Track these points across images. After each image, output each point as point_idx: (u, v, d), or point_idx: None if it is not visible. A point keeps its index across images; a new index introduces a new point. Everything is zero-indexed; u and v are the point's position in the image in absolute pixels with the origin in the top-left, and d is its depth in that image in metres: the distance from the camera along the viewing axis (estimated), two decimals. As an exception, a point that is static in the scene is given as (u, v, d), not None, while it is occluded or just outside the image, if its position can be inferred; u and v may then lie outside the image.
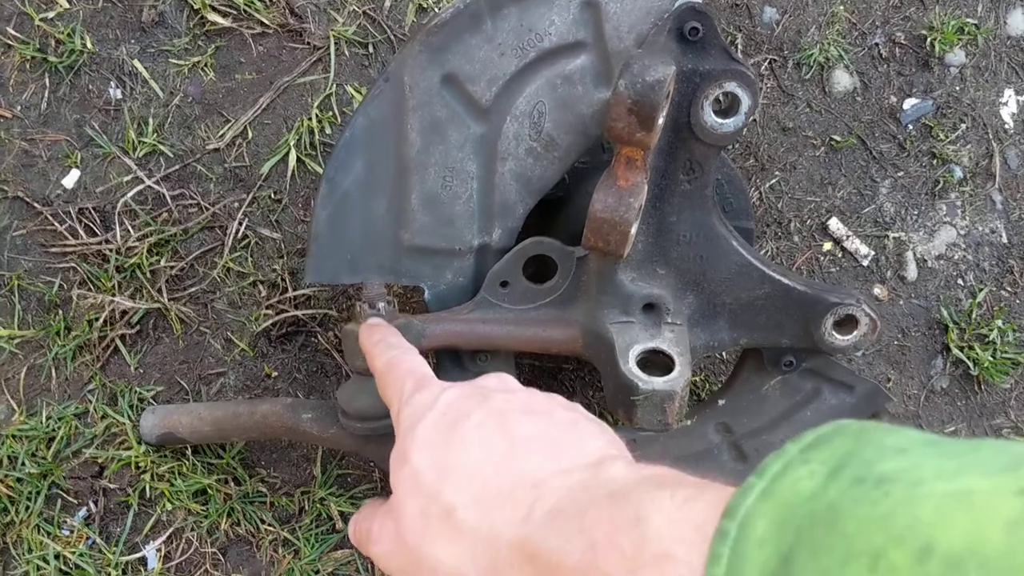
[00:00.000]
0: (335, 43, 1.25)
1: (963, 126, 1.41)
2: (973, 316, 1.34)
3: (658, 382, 0.94)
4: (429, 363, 1.13)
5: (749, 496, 0.40)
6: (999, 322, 1.34)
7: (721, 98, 0.94)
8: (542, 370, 1.27)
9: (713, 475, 1.14)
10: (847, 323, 1.04)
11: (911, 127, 1.39)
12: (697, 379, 1.31)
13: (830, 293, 1.03)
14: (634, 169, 0.90)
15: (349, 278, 1.02)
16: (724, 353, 1.30)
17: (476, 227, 1.02)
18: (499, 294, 1.03)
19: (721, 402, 1.16)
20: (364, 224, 1.01)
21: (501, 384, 0.67)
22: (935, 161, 1.39)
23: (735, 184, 1.13)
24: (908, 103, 1.40)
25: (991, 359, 1.32)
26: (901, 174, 1.38)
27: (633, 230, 0.93)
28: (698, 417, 1.16)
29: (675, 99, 0.93)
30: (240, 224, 1.20)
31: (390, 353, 0.77)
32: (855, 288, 1.34)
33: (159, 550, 1.11)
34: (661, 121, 0.86)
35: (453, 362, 1.08)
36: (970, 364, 1.32)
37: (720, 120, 0.94)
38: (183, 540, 1.12)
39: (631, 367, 0.96)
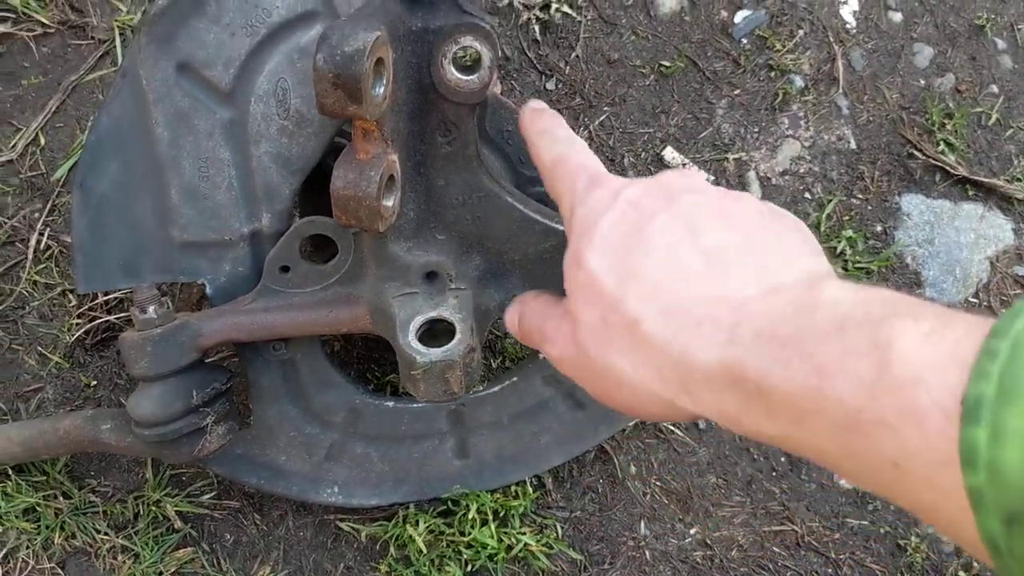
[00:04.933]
0: (120, 34, 1.21)
1: (801, 32, 1.35)
2: (822, 229, 1.30)
3: (435, 353, 0.91)
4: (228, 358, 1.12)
5: (1020, 319, 0.37)
6: (848, 232, 1.30)
7: (462, 53, 0.89)
8: (375, 342, 1.25)
9: (552, 426, 1.13)
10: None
11: (745, 41, 1.34)
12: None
13: (618, 237, 1.00)
14: (372, 140, 0.86)
15: (126, 282, 1.00)
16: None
17: (243, 214, 0.99)
18: (281, 280, 1.00)
19: (542, 355, 1.13)
20: (130, 226, 0.98)
21: (687, 183, 0.58)
22: (773, 73, 1.34)
23: (528, 132, 1.09)
24: (740, 16, 1.34)
25: (842, 271, 1.29)
26: (738, 92, 1.33)
27: (390, 203, 0.89)
28: (522, 374, 1.14)
29: (411, 61, 0.89)
30: (42, 235, 1.17)
31: (558, 148, 0.69)
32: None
33: (-4, 572, 1.11)
34: (380, 91, 0.81)
35: (253, 352, 1.06)
36: (820, 280, 1.29)
37: (464, 76, 0.90)
38: (19, 560, 1.12)
39: (409, 340, 0.94)
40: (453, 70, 0.90)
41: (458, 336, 0.93)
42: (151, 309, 0.96)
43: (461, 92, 0.91)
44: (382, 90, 0.82)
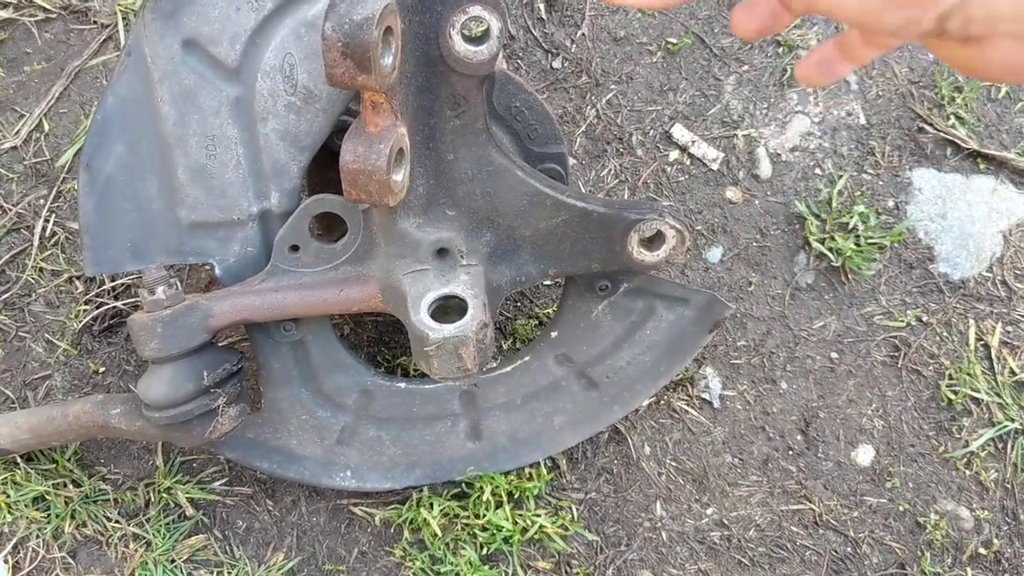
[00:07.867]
0: (123, 18, 1.20)
1: (809, 8, 1.34)
2: (833, 205, 1.29)
3: (448, 329, 0.90)
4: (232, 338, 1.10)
5: None
6: (860, 207, 1.29)
7: (471, 25, 0.88)
8: (386, 324, 1.24)
9: (566, 406, 1.11)
10: (656, 239, 1.00)
11: (752, 17, 1.32)
12: (551, 310, 1.28)
13: (630, 210, 0.98)
14: (381, 113, 0.85)
15: (134, 264, 0.98)
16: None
17: (251, 193, 0.97)
18: (291, 259, 0.99)
19: (554, 334, 1.12)
20: (137, 207, 0.97)
21: None
22: (781, 49, 1.33)
23: (536, 110, 1.07)
24: (747, -8, 1.33)
25: (854, 247, 1.27)
26: (746, 68, 1.32)
27: (399, 177, 0.88)
28: (534, 353, 1.13)
29: (419, 32, 0.88)
30: (47, 221, 1.16)
31: None
32: (661, 202, 1.29)
33: (6, 561, 1.10)
34: (389, 60, 0.80)
35: (263, 334, 1.05)
36: (832, 256, 1.27)
37: (472, 48, 0.89)
38: (29, 550, 1.10)
39: (421, 317, 0.92)
40: (461, 41, 0.89)
41: (471, 312, 0.92)
42: (160, 290, 0.94)
43: (469, 64, 0.90)
44: (391, 59, 0.81)
